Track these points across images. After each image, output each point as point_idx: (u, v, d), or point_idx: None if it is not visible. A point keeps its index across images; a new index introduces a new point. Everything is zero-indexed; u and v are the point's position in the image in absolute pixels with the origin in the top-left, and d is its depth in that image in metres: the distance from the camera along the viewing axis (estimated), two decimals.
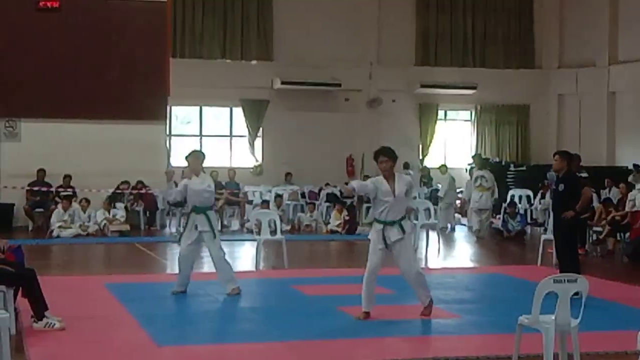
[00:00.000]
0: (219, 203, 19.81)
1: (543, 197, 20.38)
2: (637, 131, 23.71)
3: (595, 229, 15.74)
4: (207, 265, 13.75)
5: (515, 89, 25.83)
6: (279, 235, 13.45)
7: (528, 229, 19.06)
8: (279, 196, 20.40)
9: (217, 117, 24.81)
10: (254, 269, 13.03)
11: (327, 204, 21.23)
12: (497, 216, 19.58)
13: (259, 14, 23.91)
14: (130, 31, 19.61)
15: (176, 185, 11.06)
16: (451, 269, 13.83)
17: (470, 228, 19.65)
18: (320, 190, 22.24)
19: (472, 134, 26.21)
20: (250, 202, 20.74)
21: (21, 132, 19.53)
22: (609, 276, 12.19)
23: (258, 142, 24.14)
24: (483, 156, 23.82)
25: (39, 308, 8.18)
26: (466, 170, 22.89)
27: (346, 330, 8.43)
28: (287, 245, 13.24)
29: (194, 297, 10.22)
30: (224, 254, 10.56)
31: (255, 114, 23.95)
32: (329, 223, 19.47)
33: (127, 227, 18.26)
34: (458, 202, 21.49)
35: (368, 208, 19.59)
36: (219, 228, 19.21)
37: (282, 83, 23.60)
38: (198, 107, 24.21)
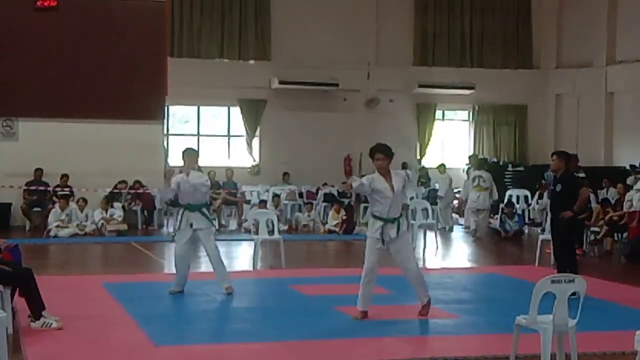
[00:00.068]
0: (217, 203, 19.84)
1: (541, 197, 20.41)
2: (635, 131, 23.73)
3: (592, 229, 15.74)
4: (205, 265, 13.75)
5: (513, 89, 25.84)
6: (276, 235, 13.44)
7: (526, 229, 19.07)
8: (276, 196, 20.40)
9: (215, 116, 24.80)
10: (251, 268, 13.02)
11: (325, 203, 21.24)
12: (495, 216, 19.59)
13: (257, 13, 23.91)
14: (128, 31, 19.59)
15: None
16: (449, 269, 13.83)
17: (467, 228, 19.65)
18: (317, 190, 22.24)
19: (470, 134, 26.22)
20: (248, 202, 20.74)
21: (19, 132, 19.50)
22: (606, 276, 12.20)
23: (256, 141, 24.13)
24: (481, 156, 23.91)
25: (36, 307, 8.17)
26: (464, 170, 22.90)
27: (344, 330, 8.42)
28: (284, 245, 13.23)
29: (192, 297, 10.21)
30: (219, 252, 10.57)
31: (253, 113, 23.94)
32: (326, 223, 19.48)
33: (124, 227, 18.25)
34: (456, 202, 21.51)
35: (365, 208, 19.57)
36: (217, 228, 19.40)
37: (280, 83, 23.59)
38: (196, 107, 24.19)
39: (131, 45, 19.56)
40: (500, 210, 19.38)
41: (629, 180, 18.53)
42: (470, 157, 20.88)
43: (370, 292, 8.81)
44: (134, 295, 10.23)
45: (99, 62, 19.40)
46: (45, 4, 19.14)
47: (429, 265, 14.07)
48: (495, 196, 19.46)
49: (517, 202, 21.19)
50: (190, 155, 10.60)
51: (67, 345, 7.71)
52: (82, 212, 18.15)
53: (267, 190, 21.53)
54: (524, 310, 6.67)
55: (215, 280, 10.53)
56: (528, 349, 6.94)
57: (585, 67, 25.06)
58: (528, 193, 21.79)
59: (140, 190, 19.46)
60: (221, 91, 23.40)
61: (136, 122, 19.64)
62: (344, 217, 19.03)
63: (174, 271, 10.59)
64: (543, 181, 20.20)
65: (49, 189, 19.17)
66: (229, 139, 24.46)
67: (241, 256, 15.31)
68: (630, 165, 21.37)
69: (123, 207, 19.09)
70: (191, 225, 10.29)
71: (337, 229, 18.88)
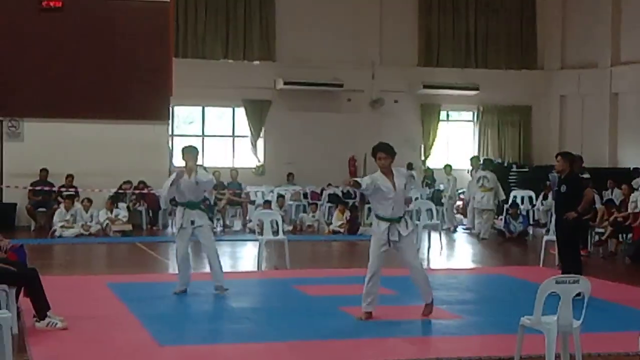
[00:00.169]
0: (221, 203, 19.87)
1: (545, 198, 20.38)
2: None
3: (597, 230, 15.73)
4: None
5: (517, 89, 25.81)
6: (281, 236, 13.45)
7: (530, 229, 19.05)
8: (281, 196, 20.41)
9: (219, 117, 24.81)
10: (256, 269, 13.03)
11: (330, 204, 21.26)
12: (500, 217, 19.58)
13: (262, 14, 23.90)
14: (132, 31, 19.63)
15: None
16: (453, 270, 13.84)
17: (469, 229, 19.65)
18: (322, 190, 22.25)
19: (474, 135, 26.19)
20: (253, 203, 20.75)
21: (24, 132, 19.56)
22: (611, 277, 12.19)
23: (260, 142, 24.13)
24: (486, 157, 23.89)
25: (41, 307, 8.18)
26: (468, 171, 22.89)
27: (348, 330, 8.43)
28: (289, 245, 13.24)
29: (196, 297, 10.23)
30: None
31: (258, 114, 23.94)
32: (331, 223, 19.49)
33: (129, 227, 18.28)
34: (459, 202, 21.53)
35: (370, 209, 19.61)
36: (222, 228, 19.46)
37: (285, 83, 23.59)
38: (200, 107, 24.19)
39: (136, 45, 19.60)
40: (504, 211, 19.37)
41: (635, 184, 18.50)
42: (471, 159, 20.87)
43: (375, 293, 8.81)
44: (139, 295, 10.25)
45: (103, 63, 19.45)
46: (51, 4, 19.19)
47: (433, 265, 14.07)
48: (502, 196, 19.49)
49: (522, 203, 21.16)
50: (190, 152, 10.58)
51: (71, 345, 7.73)
52: (87, 212, 18.19)
53: (272, 191, 21.54)
54: (529, 311, 6.67)
55: (212, 280, 10.51)
56: (532, 350, 6.94)
57: (589, 68, 25.02)
58: (532, 194, 21.76)
59: (145, 191, 19.49)
60: (226, 92, 23.40)
61: (141, 122, 19.68)
62: (348, 218, 19.04)
63: (177, 271, 10.59)
64: (547, 182, 20.16)
65: (54, 189, 19.21)
66: (233, 139, 24.46)
67: (245, 257, 15.33)
68: (634, 169, 21.31)
69: (128, 207, 19.12)
70: (192, 223, 10.29)
71: (341, 230, 18.89)
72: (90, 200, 18.41)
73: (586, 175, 15.08)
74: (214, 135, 24.45)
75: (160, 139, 20.21)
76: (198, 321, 9.00)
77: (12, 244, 8.97)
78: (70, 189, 19.15)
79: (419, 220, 16.04)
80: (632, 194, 16.34)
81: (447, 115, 26.20)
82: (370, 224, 18.39)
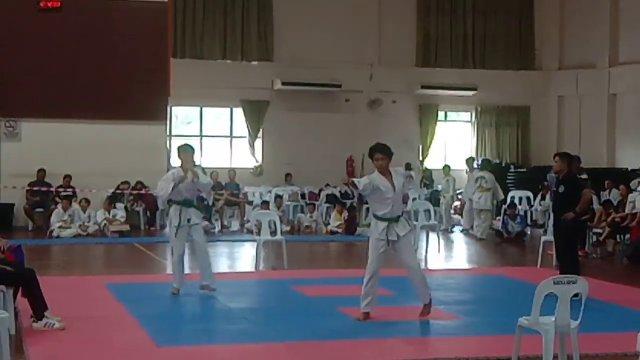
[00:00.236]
0: (219, 204, 19.87)
1: (543, 198, 20.40)
2: (638, 133, 23.69)
3: (595, 230, 15.74)
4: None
5: (515, 90, 25.82)
6: (278, 236, 13.45)
7: (528, 230, 19.06)
8: (279, 197, 20.41)
9: (217, 117, 24.80)
10: (253, 269, 13.04)
11: (327, 204, 21.26)
12: (497, 217, 19.58)
13: (260, 14, 23.89)
14: (131, 31, 19.63)
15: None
16: (451, 270, 13.84)
17: (466, 231, 19.65)
18: (320, 191, 22.25)
19: (472, 135, 26.19)
20: (250, 203, 20.75)
21: (21, 132, 19.55)
22: (608, 278, 12.20)
23: (258, 142, 24.12)
24: (484, 157, 23.92)
25: (39, 308, 8.18)
26: (466, 172, 22.90)
27: (346, 331, 8.43)
28: (286, 245, 13.24)
29: (194, 297, 10.22)
30: None
31: (256, 114, 23.93)
32: (328, 224, 19.50)
33: (127, 228, 18.26)
34: (457, 203, 21.55)
35: (368, 209, 19.60)
36: (220, 228, 19.47)
37: (283, 84, 23.59)
38: (198, 108, 24.19)
39: (134, 45, 19.60)
40: (502, 211, 19.38)
41: (633, 185, 18.51)
42: (467, 160, 20.88)
43: (374, 294, 8.81)
44: (136, 295, 10.24)
45: (101, 63, 19.45)
46: (49, 4, 19.18)
47: (431, 266, 14.07)
48: (501, 196, 19.52)
49: (520, 204, 21.18)
50: (186, 151, 10.55)
51: (69, 346, 7.72)
52: (84, 212, 18.17)
53: (270, 191, 21.54)
54: (526, 311, 6.67)
55: (201, 278, 10.47)
56: (530, 350, 6.94)
57: (587, 69, 25.03)
58: (530, 194, 21.78)
59: (143, 191, 19.48)
60: (224, 92, 23.39)
61: (139, 122, 19.68)
62: (346, 218, 19.04)
63: (173, 271, 10.54)
64: (545, 182, 20.18)
65: (51, 189, 19.20)
66: (231, 139, 24.45)
67: (243, 257, 15.34)
68: (631, 170, 21.31)
69: (125, 207, 19.11)
70: (189, 221, 10.30)
71: (339, 230, 18.90)
72: (87, 201, 18.40)
73: (584, 176, 15.08)
74: (212, 135, 24.43)
75: (158, 139, 20.20)
76: (196, 321, 9.00)
77: (10, 244, 8.96)
78: (67, 189, 19.14)
79: (416, 220, 16.04)
80: (630, 195, 16.35)
81: (445, 115, 26.20)
82: (368, 224, 18.46)
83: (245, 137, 24.07)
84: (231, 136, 24.45)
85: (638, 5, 23.58)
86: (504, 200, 20.42)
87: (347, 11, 24.31)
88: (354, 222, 19.26)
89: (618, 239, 15.64)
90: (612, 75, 24.49)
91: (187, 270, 10.77)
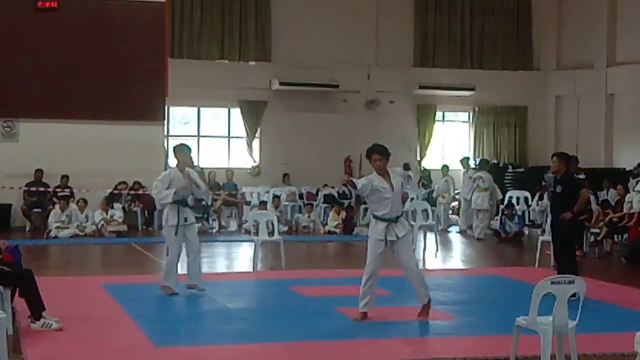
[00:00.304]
0: (217, 204, 19.86)
1: (541, 198, 20.40)
2: (635, 133, 23.73)
3: (592, 230, 15.74)
4: (207, 265, 13.78)
5: (513, 90, 25.84)
6: (276, 236, 13.45)
7: (526, 230, 19.06)
8: (276, 197, 20.39)
9: (215, 117, 24.79)
10: (251, 269, 13.02)
11: (325, 205, 21.26)
12: (495, 217, 19.59)
13: (257, 14, 23.90)
14: (128, 31, 19.62)
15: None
16: (449, 270, 13.85)
17: (463, 231, 19.66)
18: (318, 191, 22.25)
19: (470, 136, 26.21)
20: (248, 203, 20.75)
21: (19, 132, 19.53)
22: (606, 278, 12.21)
23: (256, 143, 24.12)
24: (482, 157, 23.95)
25: (36, 308, 8.17)
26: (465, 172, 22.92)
27: (344, 331, 8.43)
28: (284, 246, 13.25)
29: (191, 298, 10.22)
30: None
31: (253, 114, 23.93)
32: (326, 224, 19.50)
33: (124, 228, 18.25)
34: (454, 203, 21.56)
35: (366, 209, 19.61)
36: (218, 229, 19.46)
37: (280, 84, 23.58)
38: (196, 108, 24.18)
39: (131, 45, 19.59)
40: (500, 211, 19.39)
41: (631, 185, 18.51)
42: (462, 160, 20.87)
43: (372, 294, 8.81)
44: (134, 296, 10.24)
45: (99, 63, 19.43)
46: (46, 4, 19.17)
47: (429, 266, 14.07)
48: (499, 196, 19.53)
49: (517, 204, 21.20)
50: (182, 151, 10.55)
51: (67, 346, 7.72)
52: (82, 213, 18.16)
53: (267, 192, 21.54)
54: (524, 311, 6.67)
55: (188, 279, 10.44)
56: (528, 350, 6.94)
57: (585, 69, 25.05)
58: (528, 194, 21.80)
59: (140, 192, 19.46)
60: (221, 92, 23.40)
61: (136, 123, 19.67)
62: (344, 218, 19.05)
63: (169, 271, 10.49)
64: (543, 182, 20.20)
65: (49, 189, 19.19)
66: (229, 140, 24.44)
67: (241, 257, 15.34)
68: (628, 171, 21.30)
69: (123, 208, 19.09)
70: (185, 220, 10.31)
71: (337, 230, 18.90)
72: (85, 201, 18.39)
73: (582, 176, 15.10)
74: (210, 135, 24.42)
75: (155, 140, 20.18)
76: (194, 322, 8.99)
77: (7, 244, 8.96)
78: (65, 190, 19.14)
79: (414, 220, 16.05)
80: (628, 195, 16.36)
81: (443, 115, 26.21)
82: (366, 224, 18.46)
83: (243, 137, 24.07)
84: (229, 136, 24.44)
85: (635, 6, 23.61)
86: (502, 200, 20.43)
87: (345, 11, 24.31)
88: (352, 222, 19.26)
89: (616, 239, 15.65)
90: (610, 75, 24.51)
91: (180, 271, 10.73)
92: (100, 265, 14.83)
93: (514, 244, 17.74)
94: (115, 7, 19.63)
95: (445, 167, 21.38)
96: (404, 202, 9.16)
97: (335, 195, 21.82)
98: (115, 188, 19.47)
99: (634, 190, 16.58)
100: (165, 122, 21.57)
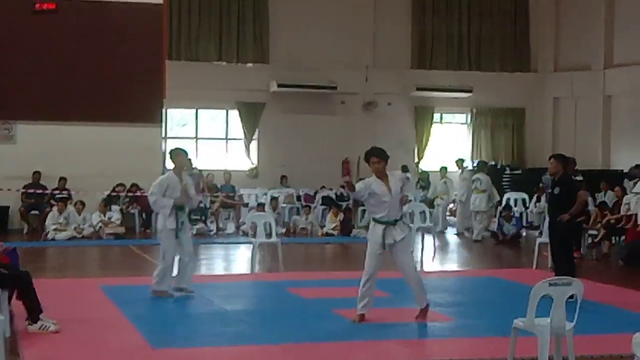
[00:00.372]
0: (215, 206, 19.86)
1: (538, 200, 20.43)
2: (633, 135, 23.75)
3: (590, 232, 15.76)
4: (205, 267, 13.81)
5: (510, 92, 25.86)
6: (274, 238, 13.45)
7: (523, 232, 19.09)
8: (274, 199, 20.38)
9: (213, 119, 24.79)
10: (249, 271, 13.02)
11: (323, 207, 21.27)
12: (493, 219, 19.61)
13: (255, 16, 23.90)
14: (126, 33, 19.62)
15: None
16: (446, 272, 13.86)
17: (461, 233, 19.66)
18: (315, 193, 22.26)
19: (468, 137, 26.21)
20: (246, 205, 20.74)
21: (16, 134, 19.53)
22: (604, 279, 12.22)
23: (254, 144, 24.12)
24: (480, 159, 23.96)
25: (34, 310, 8.16)
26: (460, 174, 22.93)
27: (342, 333, 8.42)
28: (282, 248, 13.24)
29: (189, 300, 10.22)
30: None
31: (251, 116, 23.93)
32: (324, 226, 19.51)
33: (122, 230, 18.24)
34: (452, 205, 21.57)
35: (363, 211, 19.63)
36: (215, 230, 19.46)
37: (278, 86, 23.58)
38: (194, 110, 24.17)
39: (129, 47, 19.59)
40: (498, 213, 19.40)
41: (627, 186, 18.52)
42: (457, 161, 20.88)
43: (370, 296, 8.80)
44: (132, 298, 10.23)
45: (96, 65, 19.44)
46: (44, 7, 19.16)
47: (426, 268, 14.07)
48: (497, 198, 19.54)
49: (515, 205, 21.21)
50: (180, 156, 10.53)
51: (64, 348, 7.71)
52: (80, 215, 18.16)
53: (265, 193, 21.54)
54: (522, 313, 6.67)
55: (181, 282, 10.43)
56: (525, 352, 6.94)
57: (583, 71, 25.07)
58: (526, 196, 21.81)
59: (138, 194, 19.45)
60: (219, 94, 23.39)
61: (134, 125, 19.67)
62: (342, 220, 19.05)
63: (165, 273, 10.47)
64: (541, 184, 20.21)
65: (47, 192, 19.18)
66: (227, 142, 24.44)
67: (239, 259, 15.33)
68: (625, 173, 21.30)
69: (121, 210, 19.08)
70: (182, 224, 10.32)
71: (335, 232, 18.90)
72: (83, 203, 18.39)
73: (579, 178, 15.12)
74: (208, 137, 24.42)
75: (153, 142, 20.17)
76: (191, 324, 8.98)
77: (5, 246, 8.96)
78: (63, 192, 19.13)
79: (412, 222, 16.05)
80: (625, 197, 16.38)
81: (441, 117, 26.22)
82: (364, 226, 18.50)
83: (240, 139, 24.07)
84: (227, 138, 24.44)
85: (633, 7, 23.64)
86: (500, 202, 20.45)
87: (343, 13, 24.32)
88: (350, 224, 19.27)
89: (613, 241, 15.67)
90: (607, 77, 24.53)
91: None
92: (98, 268, 14.83)
93: (512, 245, 17.75)
94: (113, 9, 19.62)
95: (443, 169, 21.39)
96: (404, 205, 9.11)
97: (333, 197, 21.83)
98: (113, 190, 19.47)
99: (631, 192, 16.60)
100: (163, 124, 21.56)
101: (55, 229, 17.64)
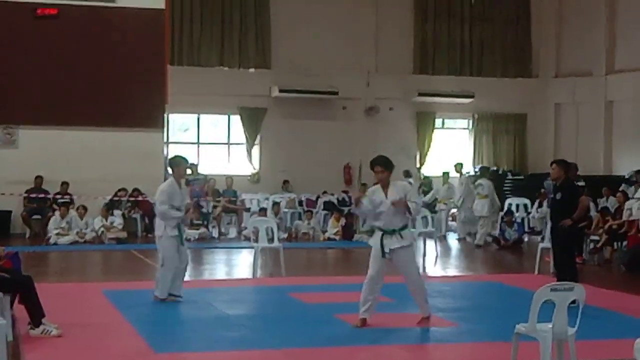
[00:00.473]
0: (217, 211, 19.87)
1: (540, 205, 20.42)
2: (634, 140, 23.74)
3: (592, 237, 15.75)
4: (208, 272, 13.82)
5: (512, 97, 25.87)
6: (276, 243, 13.44)
7: (525, 237, 19.08)
8: (276, 204, 20.41)
9: (215, 124, 24.81)
10: (251, 276, 13.02)
11: (325, 211, 21.27)
12: (496, 224, 19.60)
13: (257, 22, 23.93)
14: (128, 39, 19.66)
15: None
16: (449, 277, 13.85)
17: (462, 239, 19.65)
18: (317, 198, 22.26)
19: (470, 143, 26.22)
20: (248, 210, 20.75)
21: (19, 139, 19.55)
22: (606, 285, 12.20)
23: (256, 149, 24.13)
24: (482, 165, 23.96)
25: (36, 315, 8.17)
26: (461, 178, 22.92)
27: (343, 337, 8.42)
28: (284, 253, 13.23)
29: (191, 304, 10.21)
30: None
31: (253, 121, 23.95)
32: (326, 231, 19.51)
33: (124, 234, 18.26)
34: (454, 210, 21.57)
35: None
36: (217, 235, 19.47)
37: (280, 91, 23.60)
38: (196, 115, 24.18)
39: (131, 53, 19.62)
40: (500, 218, 19.40)
41: (628, 190, 18.53)
42: (455, 165, 20.88)
43: (373, 300, 8.77)
44: (134, 302, 10.23)
45: (99, 70, 19.47)
46: (46, 12, 19.20)
47: (428, 273, 14.06)
48: (497, 204, 19.54)
49: (517, 211, 21.22)
50: (180, 165, 10.53)
51: (66, 353, 7.71)
52: (82, 219, 18.17)
53: (267, 198, 21.55)
54: (524, 318, 6.67)
55: (177, 287, 10.41)
56: (527, 358, 6.92)
57: (584, 76, 25.08)
58: (528, 201, 21.81)
59: (140, 198, 19.46)
60: (221, 99, 23.41)
61: (136, 130, 19.68)
62: (344, 225, 19.05)
63: (167, 279, 10.46)
64: (542, 189, 20.22)
65: (49, 196, 19.20)
66: (228, 147, 24.45)
67: (241, 264, 15.33)
68: (625, 179, 21.31)
69: (123, 214, 19.10)
70: (181, 230, 10.37)
71: (337, 237, 18.90)
72: (85, 208, 18.40)
73: (581, 183, 15.12)
74: (210, 142, 24.43)
75: (155, 147, 20.19)
76: (193, 328, 8.98)
77: (7, 251, 8.96)
78: (65, 196, 19.14)
79: (414, 227, 16.04)
80: (627, 202, 16.37)
81: (443, 122, 26.23)
82: (366, 231, 18.52)
83: (242, 144, 24.08)
84: (229, 143, 24.45)
85: (634, 13, 23.66)
86: (501, 208, 20.45)
87: (345, 19, 24.35)
88: (352, 229, 19.27)
89: (615, 246, 15.64)
90: (609, 82, 24.54)
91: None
92: (100, 272, 14.83)
93: (514, 251, 17.74)
94: (115, 14, 19.66)
95: (446, 174, 21.39)
96: (410, 213, 8.85)
97: (335, 202, 21.84)
98: (115, 195, 19.48)
99: (633, 198, 16.60)
100: (165, 129, 21.59)
101: (57, 234, 17.66)
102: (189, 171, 10.62)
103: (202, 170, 21.00)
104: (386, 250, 8.67)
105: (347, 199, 22.18)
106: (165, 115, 20.95)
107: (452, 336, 8.69)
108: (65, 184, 19.30)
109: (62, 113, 19.23)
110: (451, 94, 25.12)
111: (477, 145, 26.08)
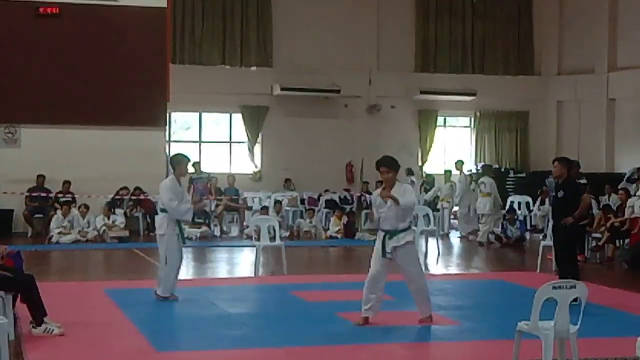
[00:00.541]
0: (219, 209, 19.87)
1: (542, 203, 20.41)
2: (637, 138, 23.72)
3: (594, 235, 15.73)
4: (210, 271, 13.83)
5: (514, 95, 25.86)
6: (278, 241, 13.45)
7: (527, 235, 19.07)
8: (278, 202, 20.41)
9: (216, 123, 24.82)
10: (253, 275, 13.02)
11: (327, 210, 21.27)
12: (498, 222, 19.60)
13: (259, 20, 23.93)
14: (129, 37, 19.66)
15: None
16: (450, 275, 13.84)
17: (464, 237, 19.65)
18: (319, 196, 22.26)
19: (472, 141, 26.22)
20: (250, 208, 20.75)
21: (21, 138, 19.56)
22: (608, 283, 12.19)
23: (257, 148, 24.14)
24: (484, 163, 23.95)
25: (38, 314, 8.17)
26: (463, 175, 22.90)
27: (345, 336, 8.41)
28: (286, 251, 13.23)
29: (193, 303, 10.21)
30: None
31: (255, 120, 23.96)
32: (328, 229, 19.50)
33: (126, 233, 18.26)
34: (456, 208, 21.56)
35: (367, 214, 19.67)
36: (219, 234, 19.48)
37: (282, 89, 23.60)
38: (197, 113, 24.20)
39: (133, 51, 19.62)
40: (501, 216, 19.39)
41: (630, 188, 18.50)
42: (456, 162, 20.86)
43: (376, 299, 8.76)
44: (136, 301, 10.23)
45: (100, 69, 19.48)
46: (48, 10, 19.21)
47: (430, 271, 14.05)
48: (499, 203, 19.53)
49: (519, 209, 21.20)
50: (182, 163, 10.52)
51: (68, 352, 7.72)
52: (84, 218, 18.18)
53: (269, 197, 21.55)
54: (526, 316, 6.67)
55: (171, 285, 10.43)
56: (529, 355, 6.93)
57: (586, 74, 25.07)
58: (529, 199, 21.81)
59: (142, 197, 19.47)
60: (223, 97, 23.42)
61: (138, 128, 19.69)
62: (345, 223, 19.05)
63: (169, 278, 10.46)
64: (544, 187, 20.20)
65: (51, 195, 19.21)
66: (230, 145, 24.47)
67: (243, 262, 15.33)
68: (627, 177, 21.28)
69: (125, 213, 19.11)
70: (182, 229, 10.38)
71: (338, 235, 18.90)
72: (87, 207, 18.41)
73: (583, 181, 15.09)
74: (211, 141, 24.45)
75: (157, 145, 20.20)
76: (195, 327, 8.98)
77: (9, 250, 8.96)
78: (67, 195, 19.15)
79: (416, 226, 16.03)
80: (629, 200, 16.34)
81: (444, 120, 26.23)
82: (368, 229, 18.53)
83: (244, 142, 24.09)
84: (230, 142, 24.47)
85: (636, 11, 23.64)
86: (503, 206, 20.44)
87: (346, 17, 24.35)
88: (353, 227, 19.27)
89: (617, 244, 15.64)
90: (611, 80, 24.52)
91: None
92: (102, 271, 14.84)
93: (516, 248, 17.74)
94: (117, 13, 19.65)
95: (448, 172, 21.39)
96: (407, 213, 8.82)
97: (337, 200, 21.85)
98: (117, 193, 19.49)
99: (635, 195, 16.58)
100: (167, 127, 21.60)
101: (59, 233, 17.66)
102: (192, 169, 10.55)
103: (203, 168, 21.00)
104: (387, 250, 8.66)
105: (349, 197, 22.20)
106: (167, 114, 20.97)
107: (454, 334, 8.69)
108: (67, 183, 19.31)
109: (64, 112, 19.24)
110: (453, 92, 25.12)
111: (479, 143, 26.08)
